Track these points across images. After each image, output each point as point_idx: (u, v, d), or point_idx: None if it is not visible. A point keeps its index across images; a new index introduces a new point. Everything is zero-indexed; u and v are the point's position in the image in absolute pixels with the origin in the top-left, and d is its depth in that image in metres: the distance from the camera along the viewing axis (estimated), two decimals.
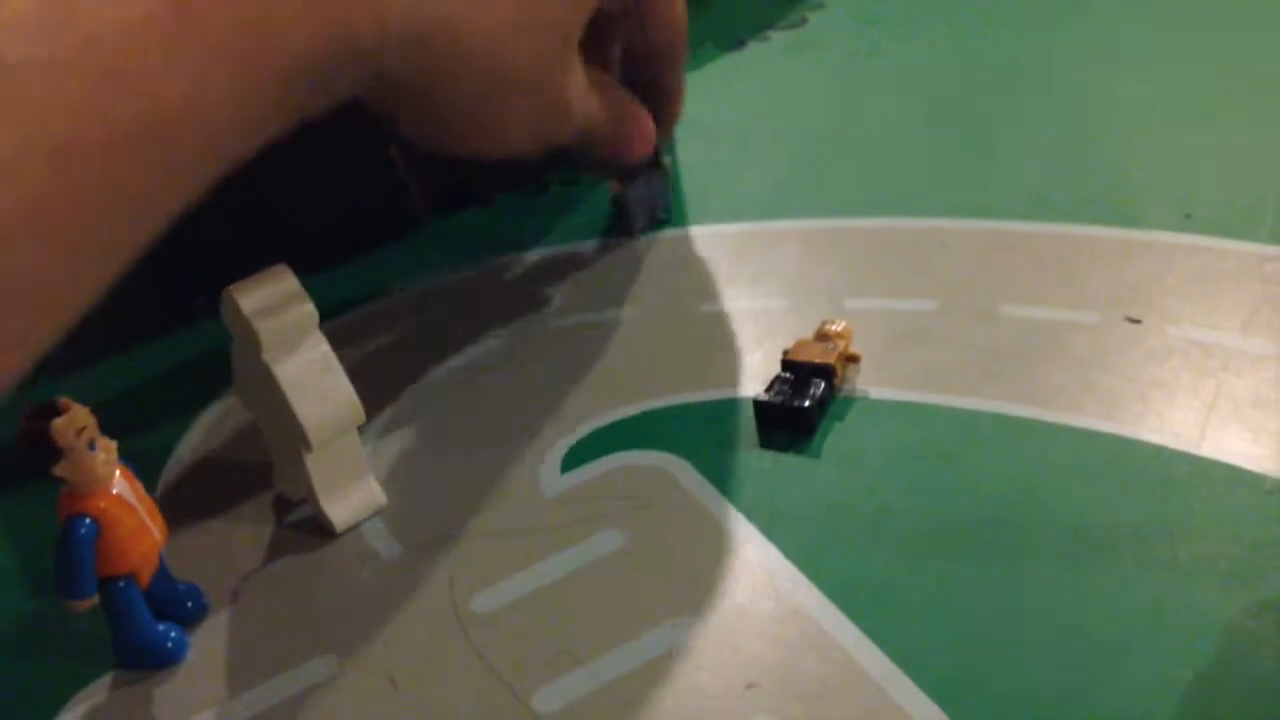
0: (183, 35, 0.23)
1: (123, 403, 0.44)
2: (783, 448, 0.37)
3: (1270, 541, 0.31)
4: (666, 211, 0.49)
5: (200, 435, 0.42)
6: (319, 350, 0.35)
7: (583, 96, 0.38)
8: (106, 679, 0.34)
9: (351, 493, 0.37)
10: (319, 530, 0.37)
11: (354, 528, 0.37)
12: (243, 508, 0.39)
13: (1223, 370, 0.37)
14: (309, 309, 0.35)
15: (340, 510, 0.37)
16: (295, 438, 0.35)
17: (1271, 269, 0.40)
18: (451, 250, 0.48)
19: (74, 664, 0.34)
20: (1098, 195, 0.45)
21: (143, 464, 0.41)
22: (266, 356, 0.34)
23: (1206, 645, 0.29)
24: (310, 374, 0.35)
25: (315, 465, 0.36)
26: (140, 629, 0.33)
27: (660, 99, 0.43)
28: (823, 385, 0.38)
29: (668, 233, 0.48)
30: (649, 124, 0.42)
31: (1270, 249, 0.41)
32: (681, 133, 0.55)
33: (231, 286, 0.34)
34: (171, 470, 0.41)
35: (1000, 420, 0.36)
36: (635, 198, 0.48)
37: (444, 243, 0.45)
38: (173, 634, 0.34)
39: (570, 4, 0.35)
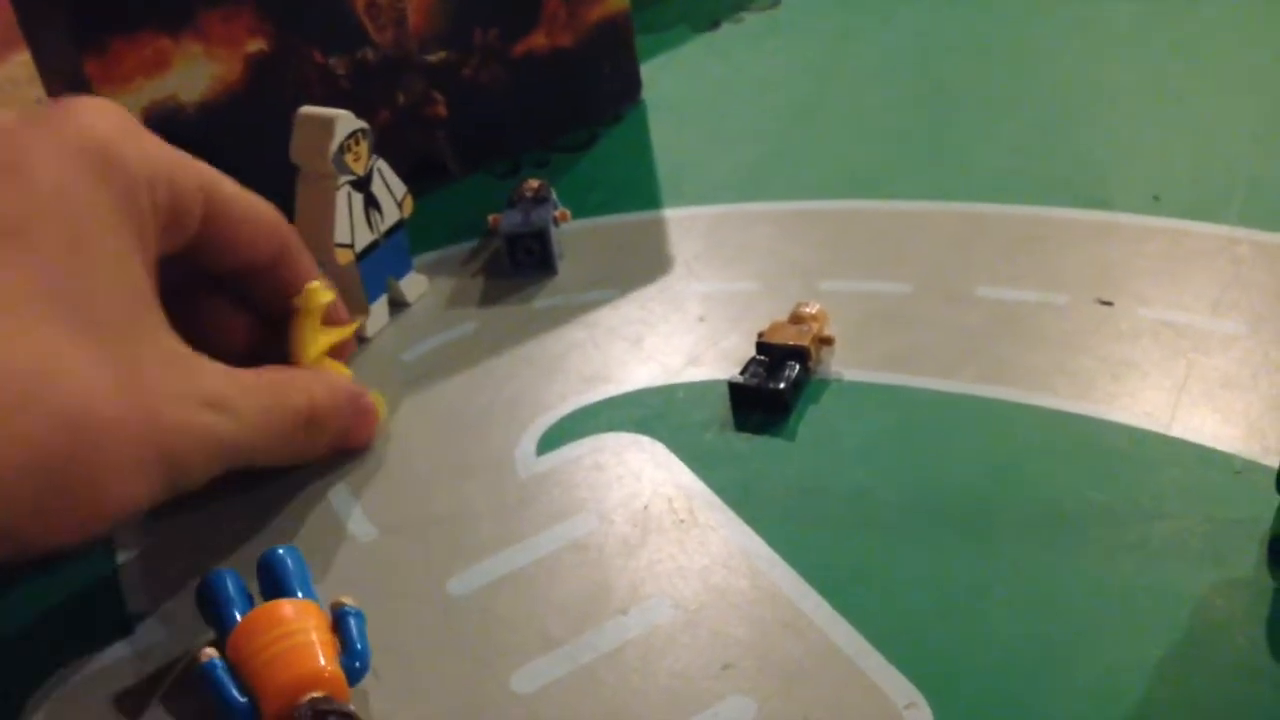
0: None
1: None
2: (758, 429, 0.37)
3: (1240, 520, 0.31)
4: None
5: None
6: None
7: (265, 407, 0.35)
8: (95, 656, 0.33)
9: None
10: (295, 518, 0.37)
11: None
12: (220, 497, 0.38)
13: (1193, 351, 0.37)
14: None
15: None
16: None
17: (1240, 250, 0.41)
18: (424, 231, 0.47)
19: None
20: (1069, 178, 0.46)
21: None
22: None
23: (1178, 623, 0.29)
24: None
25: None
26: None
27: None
28: (797, 367, 0.38)
29: (643, 215, 0.48)
30: (367, 399, 0.39)
31: (1239, 230, 0.41)
32: (655, 115, 0.55)
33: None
34: None
35: (973, 401, 0.37)
36: (553, 234, 0.45)
37: (416, 222, 0.45)
38: None
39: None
